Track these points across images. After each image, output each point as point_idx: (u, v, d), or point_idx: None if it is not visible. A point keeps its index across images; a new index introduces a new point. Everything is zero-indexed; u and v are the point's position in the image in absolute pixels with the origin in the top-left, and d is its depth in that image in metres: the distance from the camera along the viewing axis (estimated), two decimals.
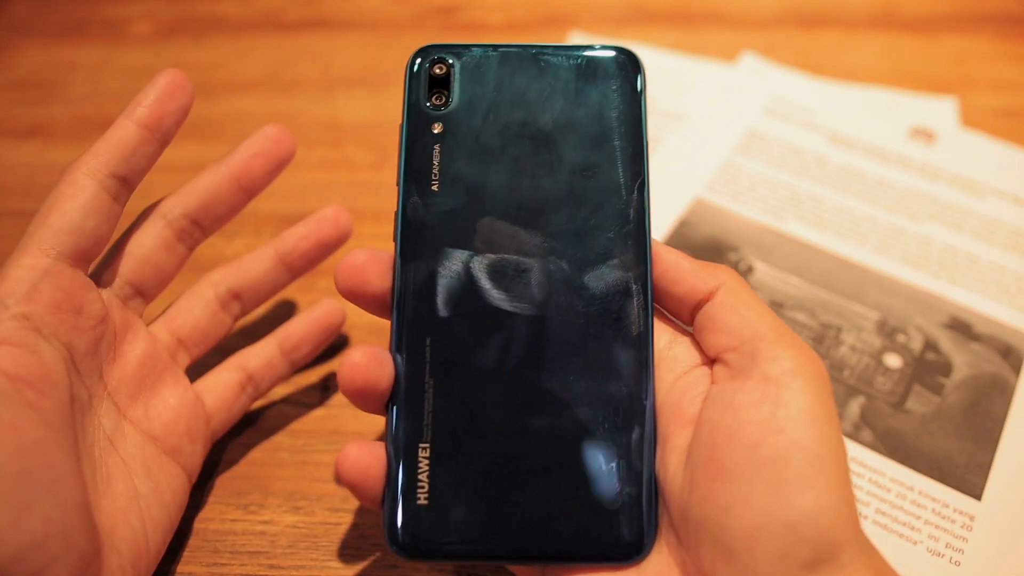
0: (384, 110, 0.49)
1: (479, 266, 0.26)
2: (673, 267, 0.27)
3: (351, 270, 0.26)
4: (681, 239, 0.41)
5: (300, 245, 0.33)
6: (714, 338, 0.26)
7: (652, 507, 0.25)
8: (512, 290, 0.26)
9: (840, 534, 0.22)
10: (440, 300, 0.26)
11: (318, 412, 0.36)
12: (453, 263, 0.26)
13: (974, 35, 0.52)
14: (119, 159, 0.28)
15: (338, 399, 0.36)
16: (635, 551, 0.24)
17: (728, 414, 0.24)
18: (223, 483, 0.33)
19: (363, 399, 0.25)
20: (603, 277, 0.26)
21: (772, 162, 0.45)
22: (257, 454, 0.34)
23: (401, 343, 0.26)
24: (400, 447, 0.25)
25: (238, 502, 0.33)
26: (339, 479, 0.26)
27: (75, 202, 0.27)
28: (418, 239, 0.26)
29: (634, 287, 0.26)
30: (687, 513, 0.24)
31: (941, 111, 0.47)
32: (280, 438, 0.35)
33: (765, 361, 0.24)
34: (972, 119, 0.47)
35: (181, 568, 0.31)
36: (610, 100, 0.28)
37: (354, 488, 0.25)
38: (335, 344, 0.38)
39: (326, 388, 0.37)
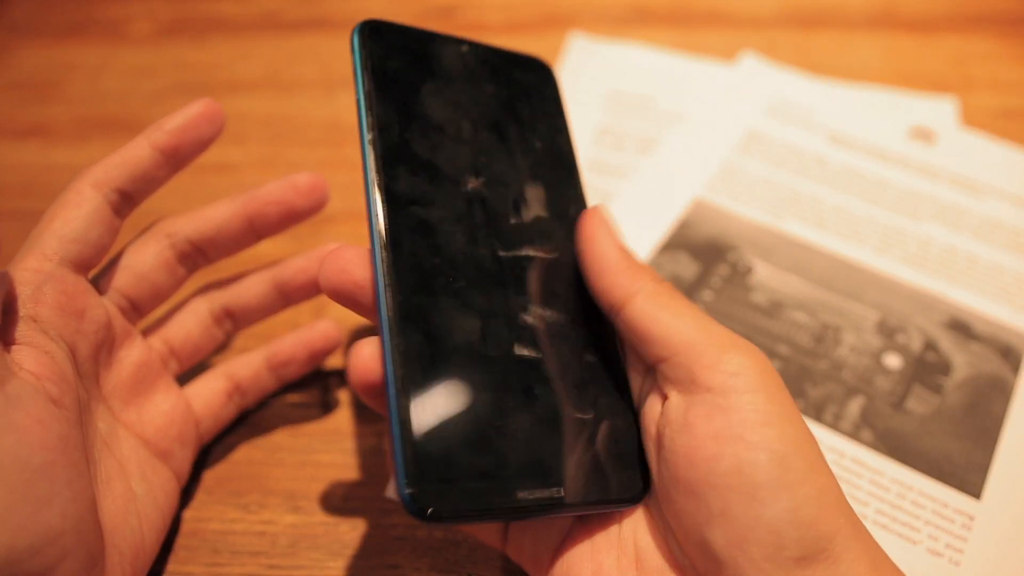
0: None
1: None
2: (600, 257, 0.26)
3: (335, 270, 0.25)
4: (681, 239, 0.41)
5: (297, 278, 0.33)
6: (644, 348, 0.25)
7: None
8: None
9: (826, 524, 0.22)
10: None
11: (318, 412, 0.36)
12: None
13: (974, 35, 0.52)
14: (127, 177, 0.28)
15: (338, 399, 0.36)
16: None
17: (684, 431, 0.23)
18: (223, 483, 0.33)
19: (371, 394, 0.24)
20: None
21: (772, 162, 0.45)
22: (257, 454, 0.34)
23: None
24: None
25: (238, 502, 0.33)
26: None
27: (79, 211, 0.27)
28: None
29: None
30: (671, 525, 0.24)
31: (941, 111, 0.47)
32: (280, 438, 0.35)
33: (702, 370, 0.23)
34: (972, 119, 0.47)
35: (181, 568, 0.31)
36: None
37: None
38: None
39: (326, 389, 0.37)
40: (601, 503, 0.25)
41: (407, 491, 0.22)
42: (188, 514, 0.32)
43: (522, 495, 0.23)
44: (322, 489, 0.33)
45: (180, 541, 0.31)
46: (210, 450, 0.34)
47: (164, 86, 0.51)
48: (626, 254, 0.26)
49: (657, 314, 0.24)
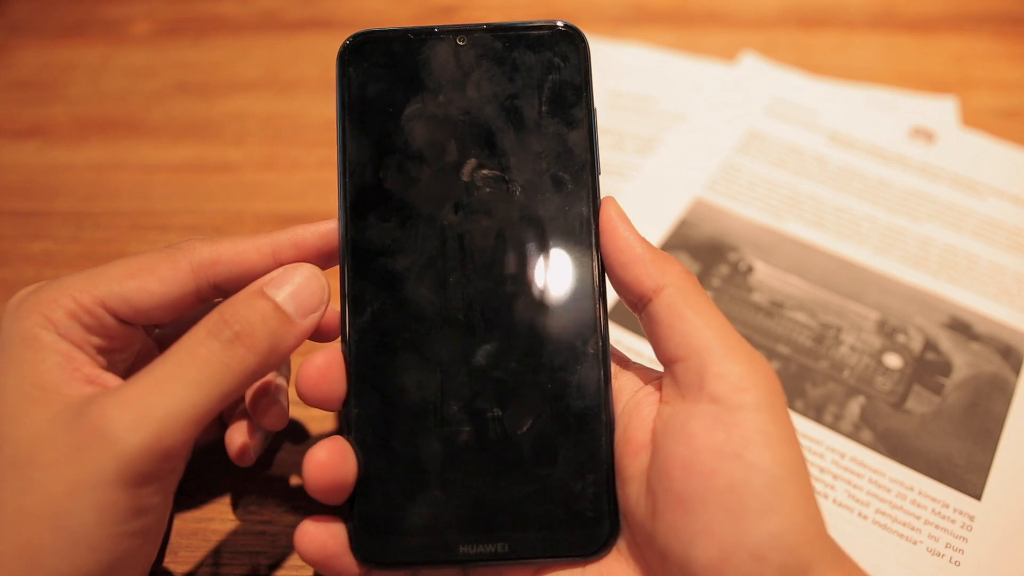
0: None
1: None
2: (625, 248, 0.25)
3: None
4: (681, 239, 0.41)
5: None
6: (663, 344, 0.24)
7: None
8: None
9: (807, 552, 0.21)
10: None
11: (318, 412, 0.36)
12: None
13: (974, 35, 0.52)
14: (231, 277, 0.26)
15: None
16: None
17: (682, 442, 0.23)
18: (223, 483, 0.33)
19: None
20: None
21: (772, 162, 0.45)
22: None
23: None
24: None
25: (238, 502, 0.33)
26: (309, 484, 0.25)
27: (161, 286, 0.25)
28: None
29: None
30: (652, 542, 0.23)
31: (941, 111, 0.47)
32: (281, 438, 0.35)
33: (713, 378, 0.23)
34: (972, 119, 0.47)
35: (182, 568, 0.31)
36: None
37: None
38: None
39: None
40: (552, 557, 0.25)
41: (352, 541, 0.25)
42: (188, 514, 0.32)
43: (464, 549, 0.25)
44: None
45: (180, 541, 0.31)
46: (210, 451, 0.34)
47: (164, 86, 0.51)
48: (650, 245, 0.25)
49: (684, 311, 0.24)
